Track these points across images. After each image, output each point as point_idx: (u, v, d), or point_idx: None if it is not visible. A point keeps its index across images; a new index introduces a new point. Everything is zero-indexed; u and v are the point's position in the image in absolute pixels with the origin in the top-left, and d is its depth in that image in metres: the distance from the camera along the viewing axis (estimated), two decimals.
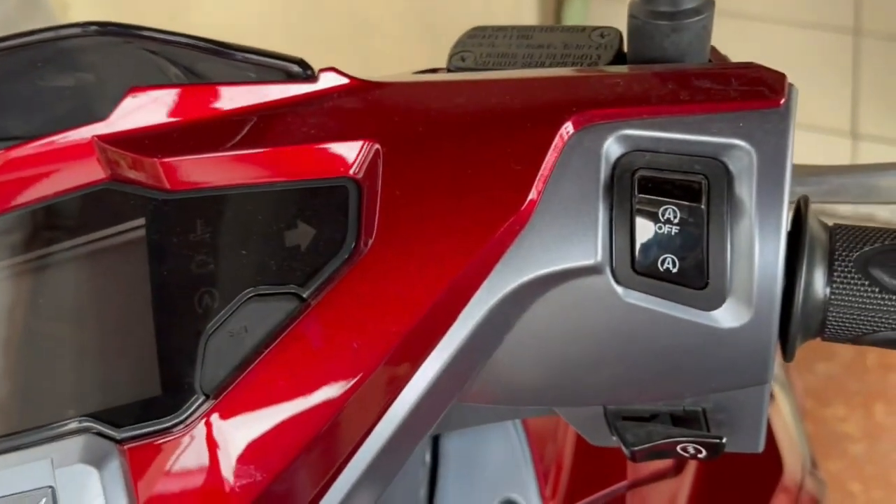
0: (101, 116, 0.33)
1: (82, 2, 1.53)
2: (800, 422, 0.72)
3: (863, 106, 1.83)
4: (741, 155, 0.28)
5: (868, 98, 1.84)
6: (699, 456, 0.34)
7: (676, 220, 0.28)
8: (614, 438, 0.34)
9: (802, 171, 0.37)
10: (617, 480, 0.54)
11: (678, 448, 0.33)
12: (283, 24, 1.47)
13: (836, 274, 0.30)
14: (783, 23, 1.97)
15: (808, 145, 1.72)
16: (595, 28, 0.35)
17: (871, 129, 1.79)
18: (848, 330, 0.31)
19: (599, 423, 0.34)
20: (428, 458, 0.51)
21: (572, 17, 1.52)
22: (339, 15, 1.43)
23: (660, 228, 0.28)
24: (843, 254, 0.30)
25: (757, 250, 0.28)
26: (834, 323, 0.31)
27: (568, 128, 0.29)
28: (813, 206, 0.32)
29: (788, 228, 0.31)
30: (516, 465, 0.51)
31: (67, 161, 0.33)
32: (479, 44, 0.36)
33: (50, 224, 0.34)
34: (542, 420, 0.53)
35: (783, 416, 0.69)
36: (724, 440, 0.32)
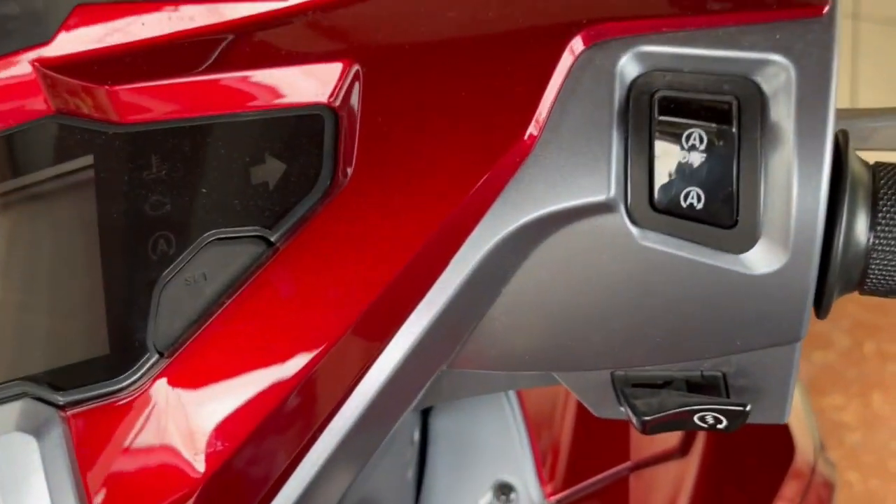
0: (44, 38, 0.30)
1: None
2: (809, 404, 0.70)
3: (861, 90, 1.82)
4: (778, 72, 0.25)
5: (867, 82, 1.84)
6: (719, 426, 0.31)
7: (702, 147, 0.25)
8: (623, 409, 0.32)
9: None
10: (619, 462, 0.52)
11: (695, 418, 0.30)
12: None
13: (880, 216, 0.27)
14: None
15: None
16: None
17: None
18: (893, 280, 0.27)
19: (606, 391, 0.31)
20: (417, 436, 0.48)
21: None
22: None
23: (683, 157, 0.25)
24: (888, 194, 0.27)
25: (795, 184, 0.25)
26: (877, 272, 0.28)
27: (577, 43, 0.26)
28: None
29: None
30: (511, 445, 0.49)
31: (4, 91, 0.31)
32: None
33: None
34: (540, 397, 0.50)
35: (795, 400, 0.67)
36: (748, 408, 0.29)
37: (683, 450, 0.54)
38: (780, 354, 0.28)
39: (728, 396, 0.31)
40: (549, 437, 0.50)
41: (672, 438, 0.54)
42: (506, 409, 0.49)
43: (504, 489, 0.49)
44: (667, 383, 0.31)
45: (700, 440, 0.54)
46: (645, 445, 0.52)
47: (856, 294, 0.29)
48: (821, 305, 0.28)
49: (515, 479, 0.48)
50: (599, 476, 0.51)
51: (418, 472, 0.48)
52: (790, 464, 0.57)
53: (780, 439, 0.58)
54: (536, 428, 0.49)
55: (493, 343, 0.30)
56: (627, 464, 0.52)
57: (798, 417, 0.63)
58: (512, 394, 0.49)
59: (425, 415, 0.49)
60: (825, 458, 0.64)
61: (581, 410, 0.50)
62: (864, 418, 1.53)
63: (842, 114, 0.35)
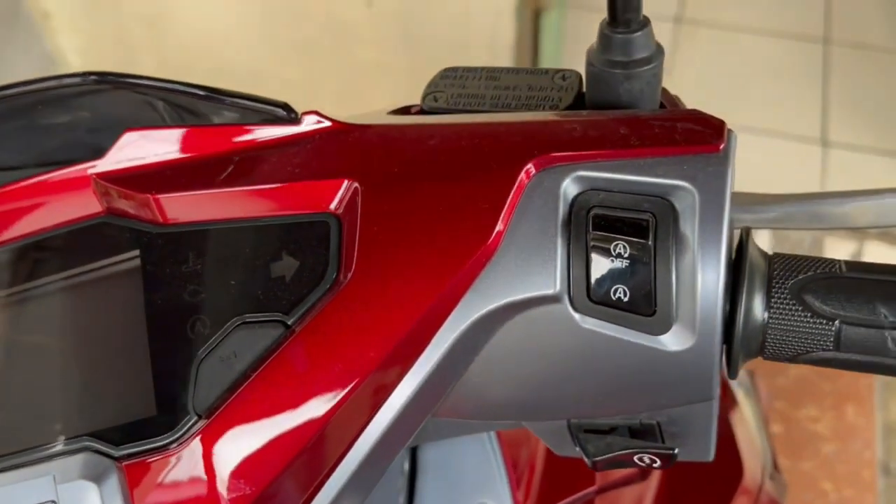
0: (99, 154, 0.35)
1: (63, 12, 1.53)
2: (762, 427, 0.75)
3: (833, 114, 1.87)
4: (685, 195, 0.31)
5: (838, 106, 1.88)
6: (654, 465, 0.36)
7: (627, 255, 0.31)
8: (577, 449, 0.37)
9: (748, 200, 0.40)
10: (586, 485, 0.56)
11: (635, 458, 0.36)
12: (262, 30, 1.48)
13: (773, 300, 0.33)
14: (755, 32, 2.01)
15: (778, 153, 1.77)
16: (557, 71, 0.38)
17: (841, 136, 1.83)
18: (785, 350, 0.33)
19: (564, 435, 0.37)
20: (406, 466, 0.53)
21: (549, 27, 1.55)
22: (318, 21, 1.44)
23: (612, 262, 0.31)
24: (780, 281, 0.33)
25: (699, 281, 0.31)
26: (772, 344, 0.33)
27: (530, 169, 0.32)
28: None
29: (732, 257, 0.34)
30: (490, 472, 0.53)
31: (66, 195, 0.36)
32: (451, 84, 0.39)
33: (50, 255, 0.36)
34: (515, 431, 0.55)
35: (746, 421, 0.72)
36: (676, 451, 0.35)
37: (643, 475, 0.59)
38: (701, 409, 0.34)
39: (663, 440, 0.36)
40: (524, 465, 0.55)
41: None
42: (485, 442, 0.53)
43: None
44: (612, 429, 0.36)
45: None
46: (609, 472, 0.57)
47: None
48: (729, 368, 0.35)
49: (494, 502, 0.53)
50: (569, 499, 0.55)
51: (408, 498, 0.52)
52: (739, 483, 0.62)
53: (730, 462, 0.64)
54: (512, 456, 0.53)
55: (469, 398, 0.35)
56: (593, 488, 0.56)
57: (750, 440, 0.68)
58: None
59: (414, 448, 0.54)
60: (776, 478, 0.69)
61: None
62: (838, 430, 1.54)
63: (785, 199, 0.40)
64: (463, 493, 0.53)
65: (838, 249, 1.64)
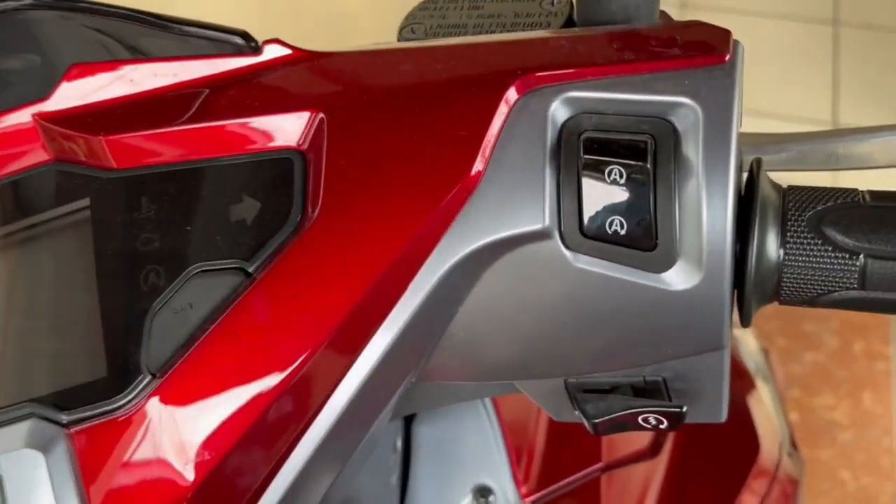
0: (42, 95, 0.33)
1: None
2: (780, 408, 0.72)
3: (843, 95, 1.84)
4: (687, 113, 0.28)
5: (848, 87, 1.86)
6: (661, 426, 0.33)
7: (623, 181, 0.28)
8: (577, 413, 0.34)
9: (761, 140, 0.37)
10: (591, 463, 0.54)
11: (639, 419, 0.33)
12: (261, 23, 1.46)
13: (789, 234, 0.30)
14: (762, 15, 1.98)
15: None
16: None
17: (852, 118, 1.80)
18: (803, 291, 0.30)
19: (561, 397, 0.34)
20: (399, 444, 0.50)
21: None
22: (316, 12, 1.42)
23: (606, 190, 0.28)
24: (796, 214, 0.30)
25: (705, 210, 0.28)
26: (789, 284, 0.30)
27: (513, 92, 0.29)
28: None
29: (742, 192, 0.31)
30: (489, 451, 0.51)
31: (7, 143, 0.33)
32: (430, 15, 0.36)
33: None
34: (514, 404, 0.52)
35: (764, 403, 0.69)
36: (684, 409, 0.32)
37: (653, 451, 0.56)
38: (710, 360, 0.31)
39: (669, 399, 0.33)
40: (524, 442, 0.52)
41: (642, 440, 0.56)
42: (483, 417, 0.51)
43: (483, 492, 0.51)
44: (614, 388, 0.33)
45: (669, 441, 0.57)
46: (616, 447, 0.54)
47: None
48: (742, 315, 0.31)
49: (493, 482, 0.50)
50: (572, 477, 0.52)
51: (402, 478, 0.50)
52: (755, 461, 0.59)
53: (745, 438, 0.61)
54: (512, 433, 0.51)
55: (455, 356, 0.32)
56: (599, 465, 0.53)
57: (766, 417, 0.66)
58: (488, 402, 0.52)
59: (408, 424, 0.51)
60: (794, 455, 0.66)
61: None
62: (854, 417, 1.53)
63: (800, 137, 0.38)
64: (460, 472, 0.50)
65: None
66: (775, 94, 1.80)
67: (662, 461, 0.56)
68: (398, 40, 0.36)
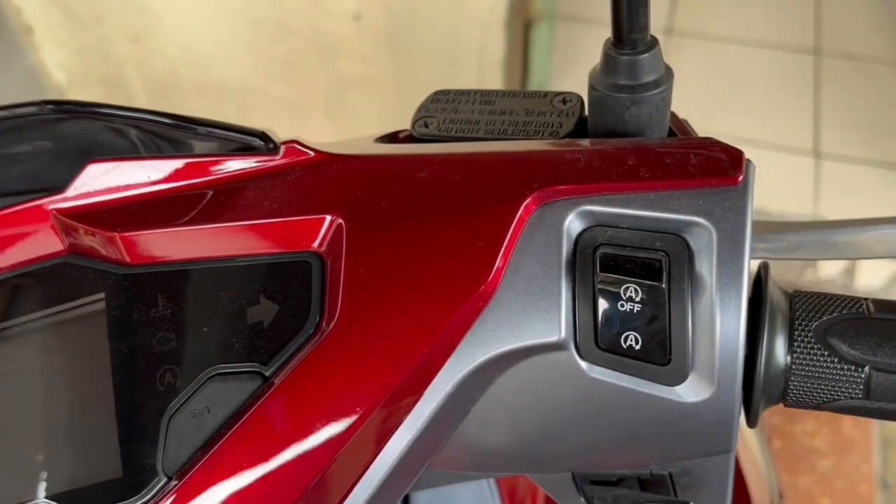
0: (60, 187, 0.33)
1: (45, 26, 1.51)
2: (766, 450, 0.72)
3: (824, 124, 1.86)
4: (701, 232, 0.28)
5: (829, 117, 1.88)
6: None
7: (638, 299, 0.28)
8: (582, 501, 0.35)
9: (761, 228, 0.38)
10: None
11: None
12: (249, 45, 1.46)
13: (796, 343, 0.30)
14: (745, 43, 2.00)
15: (771, 165, 1.76)
16: (557, 94, 0.36)
17: (833, 147, 1.82)
18: (810, 398, 0.31)
19: (568, 486, 0.35)
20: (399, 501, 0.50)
21: (539, 39, 1.53)
22: (306, 37, 1.42)
23: (622, 306, 0.28)
24: (803, 323, 0.31)
25: (718, 327, 0.28)
26: (795, 391, 0.31)
27: (530, 204, 0.30)
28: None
29: (749, 295, 0.31)
30: None
31: (24, 233, 0.33)
32: (442, 109, 0.36)
33: (5, 299, 0.33)
34: None
35: (749, 445, 0.69)
36: None
37: None
38: (716, 460, 0.31)
39: (675, 492, 0.34)
40: (522, 501, 0.53)
41: None
42: (481, 481, 0.51)
43: None
44: (620, 480, 0.34)
45: None
46: None
47: None
48: (749, 417, 0.32)
49: None
50: None
51: None
52: None
53: (737, 494, 0.61)
54: (510, 495, 0.52)
55: (465, 450, 0.32)
56: None
57: (755, 467, 0.66)
58: None
59: None
60: None
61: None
62: (835, 444, 1.54)
63: (799, 227, 0.38)
64: None
65: (830, 266, 1.63)
66: (756, 122, 1.82)
67: None
68: (411, 133, 0.36)
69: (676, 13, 2.04)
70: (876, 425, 1.57)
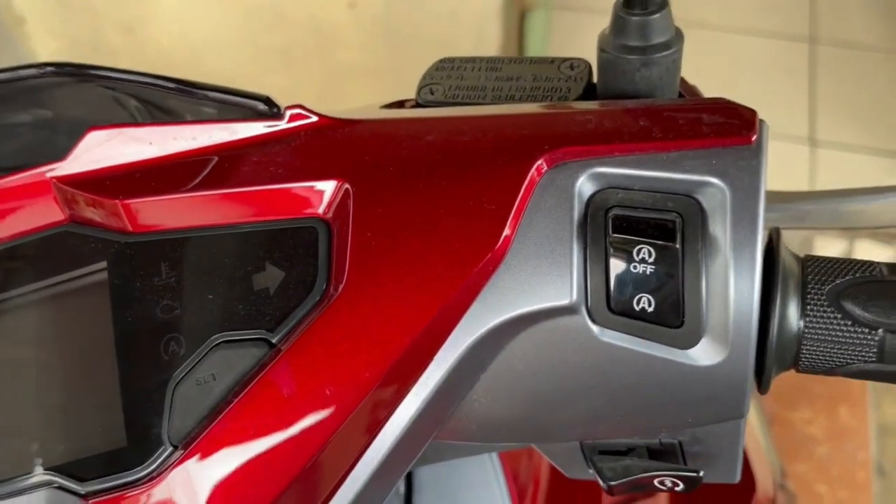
0: (60, 155, 0.32)
1: (37, 16, 1.49)
2: (768, 432, 0.72)
3: (820, 112, 1.86)
4: (714, 192, 0.28)
5: (824, 104, 1.88)
6: (677, 489, 0.34)
7: (651, 260, 0.28)
8: (591, 472, 0.34)
9: (770, 198, 0.37)
10: (593, 501, 0.54)
11: (655, 481, 0.33)
12: (244, 35, 1.45)
13: (809, 307, 0.30)
14: (741, 32, 2.00)
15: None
16: (564, 59, 0.35)
17: (829, 135, 1.82)
18: (822, 362, 0.31)
19: (576, 457, 0.34)
20: (402, 489, 0.50)
21: (535, 27, 1.52)
22: (301, 25, 1.41)
23: (634, 268, 0.28)
24: (816, 287, 0.30)
25: (732, 289, 0.28)
26: (808, 356, 0.31)
27: (540, 165, 0.29)
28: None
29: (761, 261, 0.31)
30: (491, 493, 0.50)
31: (24, 202, 0.32)
32: (448, 76, 0.36)
33: (6, 268, 0.32)
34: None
35: (751, 427, 0.69)
36: (700, 473, 0.32)
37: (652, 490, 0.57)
38: (728, 426, 0.31)
39: (685, 461, 0.34)
40: (526, 481, 0.52)
41: None
42: (486, 458, 0.51)
43: None
44: (630, 450, 0.34)
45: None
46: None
47: None
48: (761, 384, 0.32)
49: None
50: None
51: None
52: (752, 497, 0.60)
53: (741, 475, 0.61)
54: (514, 475, 0.51)
55: (473, 419, 0.32)
56: None
57: (758, 448, 0.66)
58: None
59: None
60: (785, 486, 0.66)
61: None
62: (831, 431, 1.55)
63: (807, 196, 0.38)
64: None
65: (829, 248, 1.63)
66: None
67: (661, 499, 0.56)
68: (416, 100, 0.36)
69: (673, 1, 2.04)
70: (872, 412, 1.58)
